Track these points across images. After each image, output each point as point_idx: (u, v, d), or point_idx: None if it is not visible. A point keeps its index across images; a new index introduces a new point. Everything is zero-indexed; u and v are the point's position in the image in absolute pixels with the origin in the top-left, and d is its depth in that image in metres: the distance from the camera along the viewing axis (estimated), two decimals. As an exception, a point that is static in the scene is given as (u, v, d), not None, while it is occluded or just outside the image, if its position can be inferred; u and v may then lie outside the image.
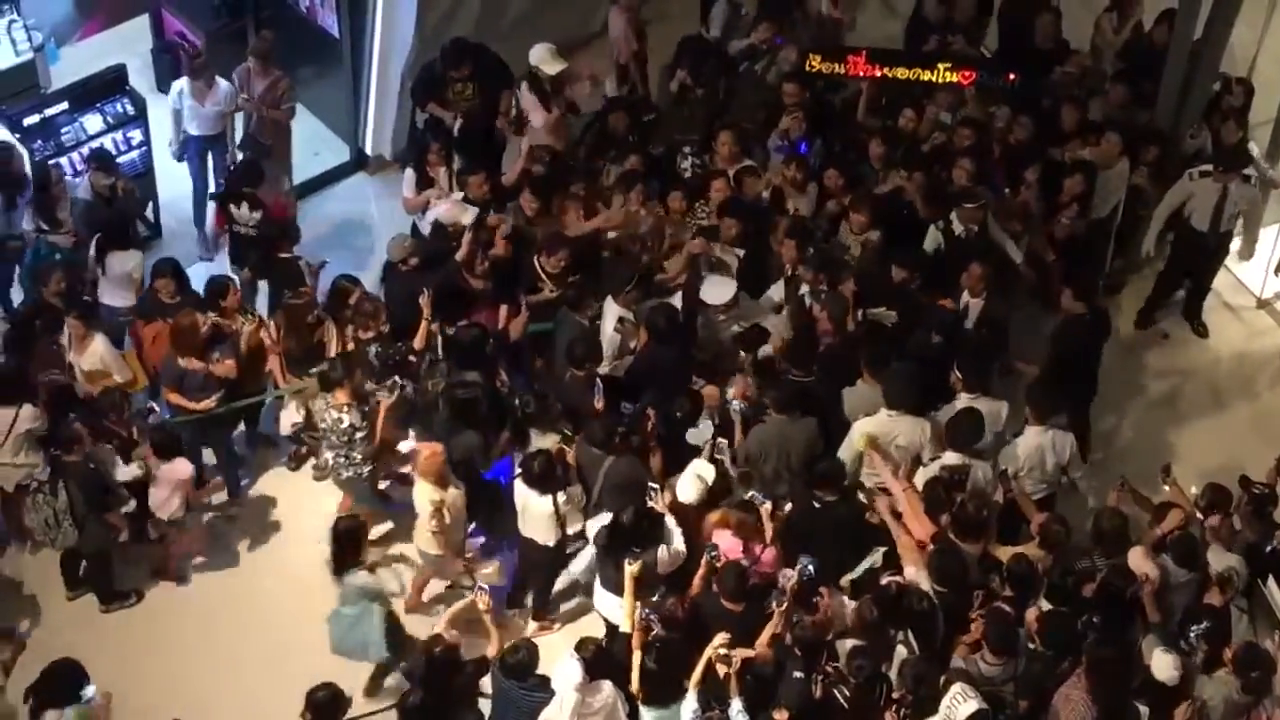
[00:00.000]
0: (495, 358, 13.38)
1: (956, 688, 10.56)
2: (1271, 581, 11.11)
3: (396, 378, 13.02)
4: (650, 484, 12.20)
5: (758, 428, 12.78)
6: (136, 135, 15.79)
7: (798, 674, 10.86)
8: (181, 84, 15.29)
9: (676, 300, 13.76)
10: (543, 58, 15.16)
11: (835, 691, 10.82)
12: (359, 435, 12.85)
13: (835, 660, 11.07)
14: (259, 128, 15.50)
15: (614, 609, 12.02)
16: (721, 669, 10.88)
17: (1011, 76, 15.26)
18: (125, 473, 12.72)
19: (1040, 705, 11.00)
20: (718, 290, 13.71)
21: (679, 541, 11.96)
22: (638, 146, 14.99)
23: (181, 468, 12.74)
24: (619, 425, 12.58)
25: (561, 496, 12.27)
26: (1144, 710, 10.98)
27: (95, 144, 15.53)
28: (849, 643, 11.26)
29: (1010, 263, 14.35)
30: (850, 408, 12.88)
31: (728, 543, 11.96)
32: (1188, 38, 14.91)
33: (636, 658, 11.11)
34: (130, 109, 15.98)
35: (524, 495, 12.35)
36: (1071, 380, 13.58)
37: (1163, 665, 10.99)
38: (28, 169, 14.74)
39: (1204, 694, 10.97)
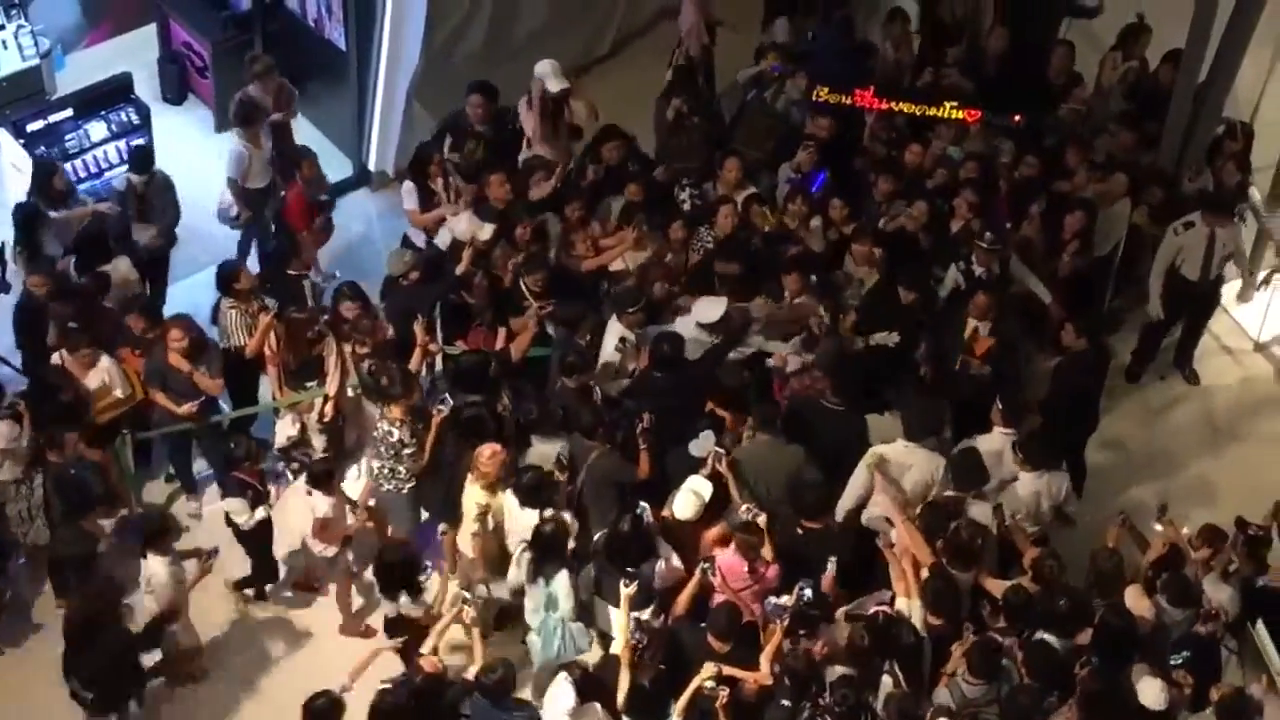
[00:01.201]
0: (498, 381, 13.31)
1: (942, 720, 10.58)
2: (1260, 625, 11.10)
3: (448, 395, 12.93)
4: (641, 502, 12.16)
5: (741, 446, 12.74)
6: (140, 143, 15.72)
7: (785, 702, 10.80)
8: (236, 140, 15.00)
9: (683, 326, 13.63)
10: (546, 73, 15.10)
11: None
12: (407, 451, 12.79)
13: (823, 692, 10.96)
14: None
15: (614, 618, 11.89)
16: (712, 700, 10.83)
17: (1017, 117, 15.29)
18: (255, 516, 12.69)
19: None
20: (708, 309, 13.59)
21: (674, 556, 11.94)
22: (638, 175, 14.94)
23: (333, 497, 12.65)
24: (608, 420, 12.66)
25: (549, 513, 12.13)
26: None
27: (99, 151, 15.59)
28: (837, 670, 11.17)
29: (1037, 302, 14.40)
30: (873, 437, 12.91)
31: (729, 560, 11.94)
32: (1193, 79, 14.93)
33: (625, 676, 11.04)
34: (135, 117, 16.02)
35: (511, 505, 12.29)
36: (1072, 417, 13.60)
37: (1149, 691, 10.96)
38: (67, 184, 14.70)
39: None
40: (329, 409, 13.59)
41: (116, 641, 11.74)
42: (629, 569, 11.64)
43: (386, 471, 12.90)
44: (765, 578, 11.95)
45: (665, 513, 12.25)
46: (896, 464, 12.51)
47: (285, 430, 13.88)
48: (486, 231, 14.11)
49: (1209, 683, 11.01)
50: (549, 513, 12.07)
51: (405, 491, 12.94)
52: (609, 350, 13.47)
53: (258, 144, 14.94)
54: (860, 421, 12.94)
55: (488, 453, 12.24)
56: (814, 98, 15.23)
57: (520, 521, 12.21)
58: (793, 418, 12.92)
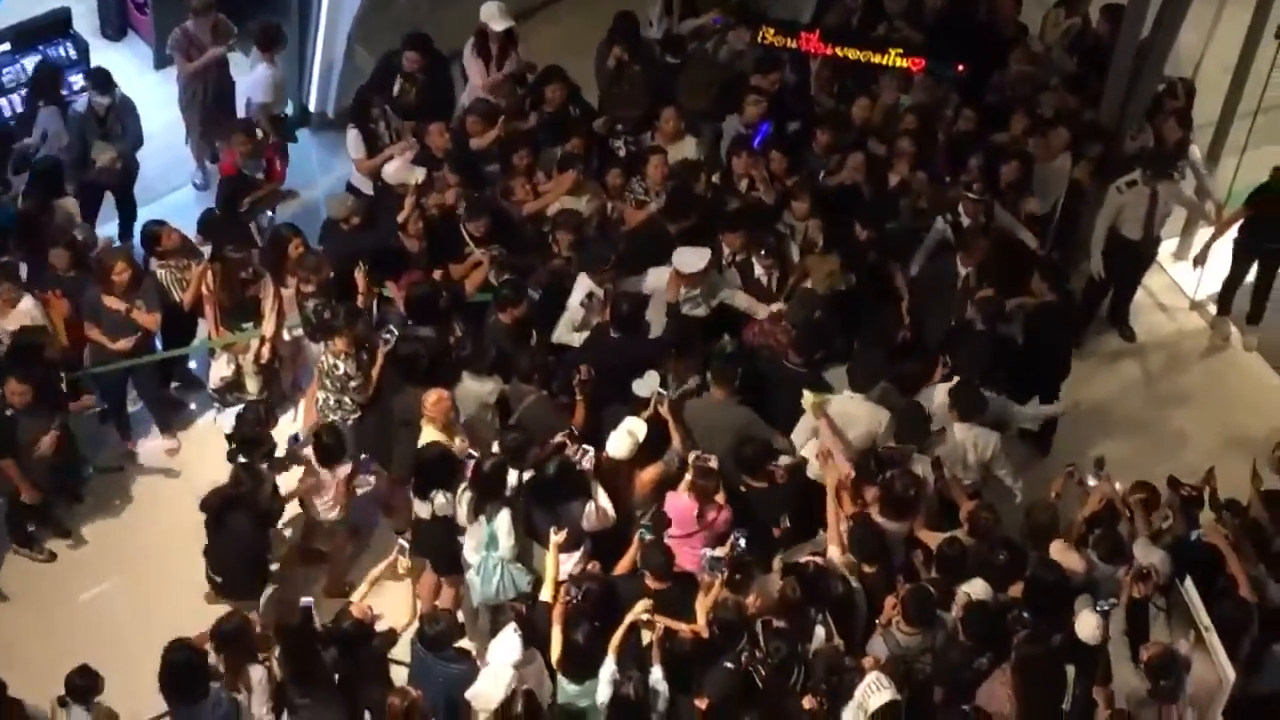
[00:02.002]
0: (449, 313, 13.24)
1: (872, 676, 10.50)
2: (1189, 582, 11.16)
3: (391, 328, 12.89)
4: (584, 445, 12.10)
5: (690, 402, 12.70)
6: (78, 80, 15.47)
7: (728, 664, 10.72)
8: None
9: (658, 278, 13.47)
10: (491, 14, 14.97)
11: (753, 673, 10.73)
12: (353, 383, 12.77)
13: (757, 644, 10.92)
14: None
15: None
16: (645, 635, 10.79)
17: (960, 67, 15.22)
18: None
19: (956, 694, 10.95)
20: (691, 258, 13.36)
21: (604, 499, 11.86)
22: (580, 123, 14.82)
23: (343, 471, 12.48)
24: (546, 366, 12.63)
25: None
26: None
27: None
28: (770, 622, 11.10)
29: (1024, 248, 14.41)
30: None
31: (681, 503, 11.90)
32: (1135, 36, 14.88)
33: (557, 630, 10.96)
34: (73, 53, 15.78)
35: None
36: (1044, 367, 13.66)
37: (1086, 625, 11.05)
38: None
39: (1114, 667, 11.01)
40: (265, 351, 13.47)
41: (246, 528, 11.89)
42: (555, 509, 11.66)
43: (333, 403, 12.86)
44: (715, 522, 11.90)
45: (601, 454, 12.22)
46: (841, 415, 12.47)
47: (220, 371, 13.76)
48: (418, 175, 13.99)
49: (1138, 641, 11.07)
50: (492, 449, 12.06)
51: (351, 423, 12.88)
52: (574, 303, 13.34)
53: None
54: (820, 385, 12.85)
55: (433, 398, 12.19)
56: (760, 40, 15.11)
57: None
58: (750, 375, 12.84)
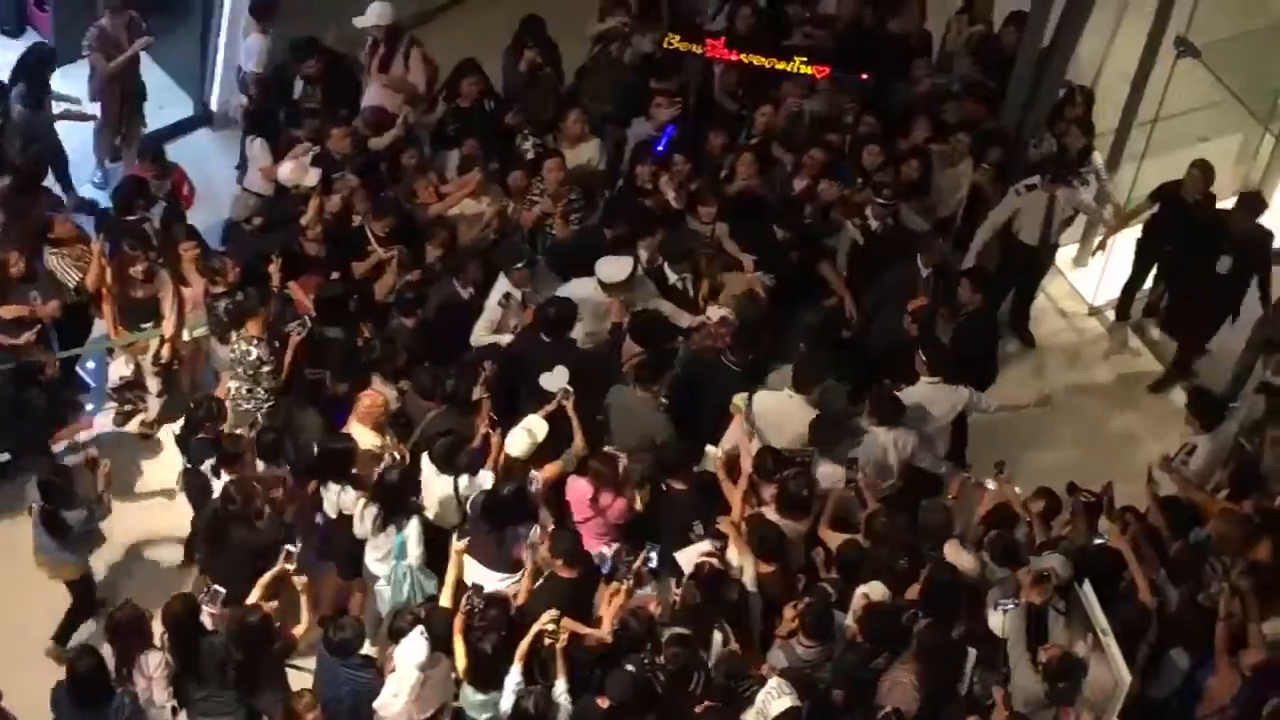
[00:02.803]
0: (358, 314, 13.19)
1: (773, 682, 10.46)
2: (1087, 585, 11.21)
3: (306, 316, 12.79)
4: (533, 472, 11.96)
5: (614, 398, 12.67)
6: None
7: (629, 666, 10.65)
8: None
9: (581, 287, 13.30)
10: (366, 18, 14.89)
11: (653, 677, 10.66)
12: (265, 369, 12.62)
13: (660, 650, 10.83)
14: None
15: (485, 579, 11.64)
16: (549, 644, 10.69)
17: (865, 76, 15.25)
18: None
19: (854, 696, 10.93)
20: (613, 269, 13.27)
21: (549, 524, 11.78)
22: (489, 120, 14.74)
23: (284, 469, 12.22)
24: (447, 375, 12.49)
25: (464, 481, 11.95)
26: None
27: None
28: (671, 629, 11.04)
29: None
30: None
31: (578, 486, 11.91)
32: (1036, 44, 15.00)
33: (460, 645, 10.86)
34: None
35: (427, 472, 12.10)
36: (976, 371, 13.67)
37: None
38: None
39: (1013, 671, 11.02)
40: (165, 350, 13.31)
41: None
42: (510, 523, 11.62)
43: (245, 392, 12.70)
44: (608, 509, 11.89)
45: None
46: (777, 413, 12.47)
47: (119, 371, 13.59)
48: (312, 176, 13.86)
49: (1037, 643, 11.12)
50: (389, 459, 12.04)
51: (265, 411, 12.74)
52: (491, 304, 13.26)
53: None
54: (755, 386, 12.82)
55: (367, 400, 12.22)
56: (665, 45, 15.05)
57: (436, 488, 12.04)
58: (687, 372, 12.97)
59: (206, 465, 12.04)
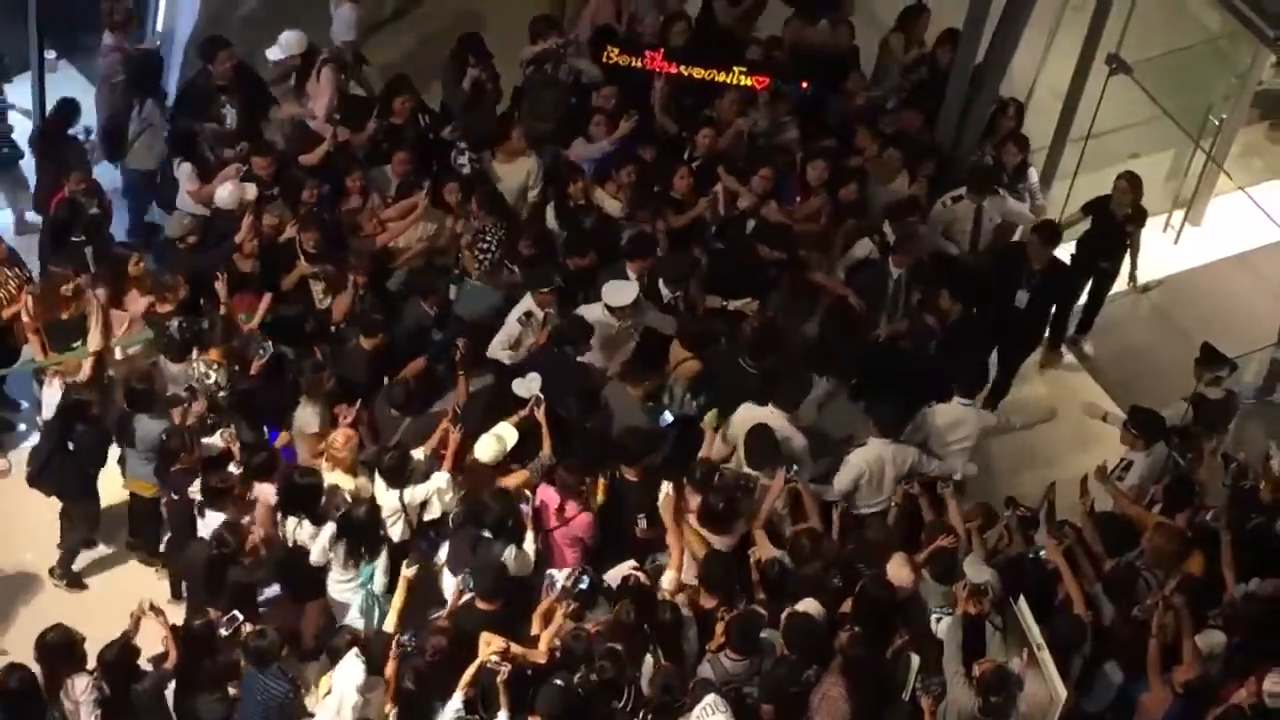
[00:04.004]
0: (312, 336, 13.28)
1: (709, 699, 10.38)
2: (1022, 600, 11.20)
3: (269, 343, 12.80)
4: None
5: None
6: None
7: (559, 681, 10.56)
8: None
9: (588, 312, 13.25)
10: (291, 43, 14.78)
11: (583, 692, 10.57)
12: (222, 395, 12.55)
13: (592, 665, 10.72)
14: None
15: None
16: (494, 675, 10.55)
17: (804, 84, 15.23)
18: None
19: (784, 710, 10.86)
20: (620, 292, 13.22)
21: (529, 544, 11.70)
22: (410, 144, 14.56)
23: (268, 489, 12.10)
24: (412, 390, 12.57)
25: (409, 492, 11.93)
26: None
27: None
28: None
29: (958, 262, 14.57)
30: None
31: (547, 493, 11.94)
32: (970, 61, 15.01)
33: (390, 678, 10.76)
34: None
35: (378, 487, 12.06)
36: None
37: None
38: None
39: (949, 687, 10.97)
40: (88, 366, 13.02)
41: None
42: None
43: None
44: (570, 521, 11.90)
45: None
46: (773, 426, 12.47)
47: (52, 399, 13.30)
48: (250, 191, 13.74)
49: (973, 658, 11.09)
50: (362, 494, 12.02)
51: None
52: (511, 320, 13.26)
53: None
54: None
55: (341, 439, 12.07)
56: (604, 59, 14.99)
57: (388, 503, 11.99)
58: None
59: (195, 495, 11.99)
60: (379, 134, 14.72)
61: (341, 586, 11.95)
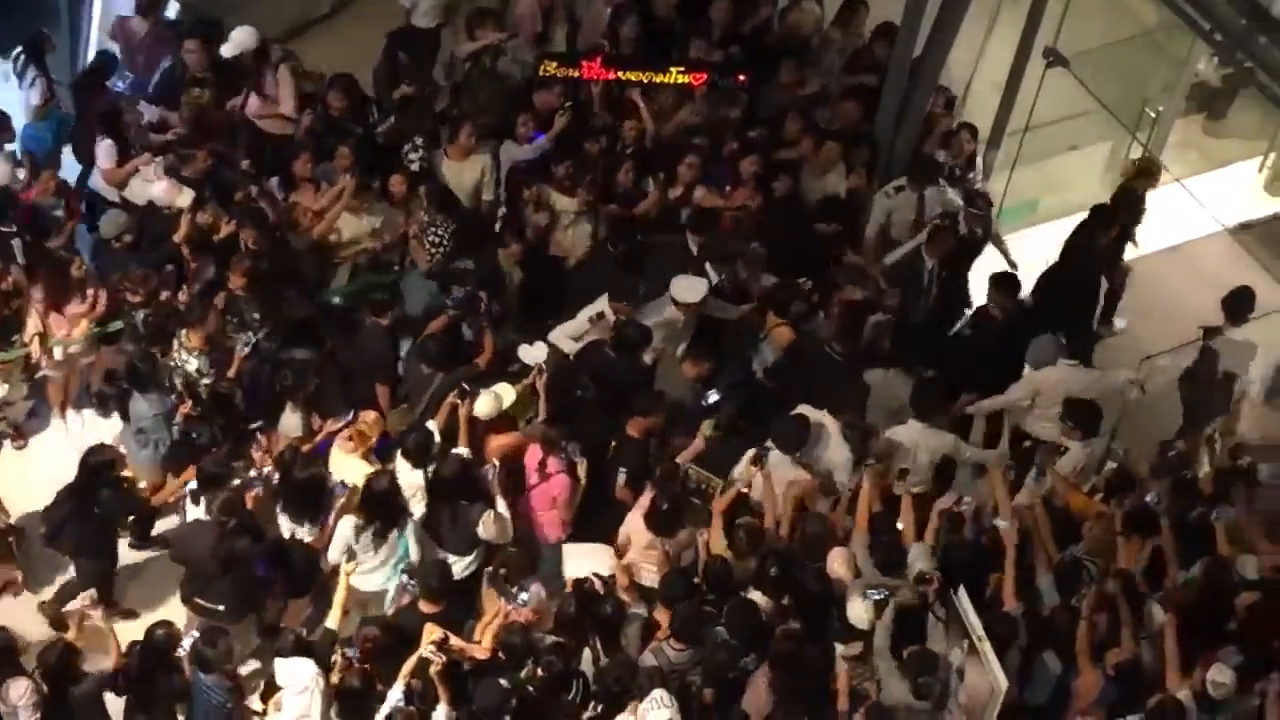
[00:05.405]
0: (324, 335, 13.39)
1: (656, 693, 10.35)
2: (961, 591, 11.21)
3: (251, 334, 12.82)
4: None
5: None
6: None
7: (501, 680, 10.55)
8: None
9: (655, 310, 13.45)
10: (241, 40, 14.67)
11: (530, 689, 10.57)
12: (204, 382, 12.56)
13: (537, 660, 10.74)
14: None
15: (456, 570, 11.78)
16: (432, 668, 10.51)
17: (741, 77, 15.18)
18: None
19: (724, 695, 10.85)
20: (689, 289, 13.36)
21: (503, 509, 11.84)
22: (356, 140, 14.44)
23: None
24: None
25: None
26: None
27: None
28: (547, 638, 11.02)
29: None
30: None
31: (533, 451, 12.13)
32: (908, 55, 15.02)
33: (335, 679, 10.76)
34: None
35: (401, 468, 12.04)
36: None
37: (856, 610, 11.06)
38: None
39: (883, 681, 10.99)
40: (35, 349, 13.09)
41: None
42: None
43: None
44: (550, 478, 12.06)
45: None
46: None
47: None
48: (186, 197, 13.67)
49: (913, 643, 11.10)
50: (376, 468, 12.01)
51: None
52: (583, 316, 13.34)
53: None
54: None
55: (372, 418, 12.24)
56: (541, 72, 14.90)
57: (413, 483, 12.00)
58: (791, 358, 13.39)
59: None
60: (316, 126, 14.63)
61: (372, 576, 11.89)
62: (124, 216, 13.68)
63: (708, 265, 13.87)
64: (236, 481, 11.87)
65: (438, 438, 12.07)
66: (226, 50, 14.63)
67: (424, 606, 11.11)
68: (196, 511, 11.84)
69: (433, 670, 10.46)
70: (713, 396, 12.85)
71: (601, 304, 13.33)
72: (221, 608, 11.71)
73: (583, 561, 11.93)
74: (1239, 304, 13.92)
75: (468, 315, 13.04)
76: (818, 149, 14.89)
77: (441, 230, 13.89)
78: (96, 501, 11.89)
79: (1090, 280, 14.77)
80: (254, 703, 11.23)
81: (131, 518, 12.53)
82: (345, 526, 11.65)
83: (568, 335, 13.39)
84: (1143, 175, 15.24)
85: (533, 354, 12.69)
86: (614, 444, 12.54)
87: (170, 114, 14.60)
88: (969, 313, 14.52)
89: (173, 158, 14.05)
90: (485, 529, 11.75)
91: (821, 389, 12.99)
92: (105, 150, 14.08)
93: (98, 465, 11.87)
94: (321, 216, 13.97)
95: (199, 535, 11.66)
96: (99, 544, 12.16)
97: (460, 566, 11.86)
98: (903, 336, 14.17)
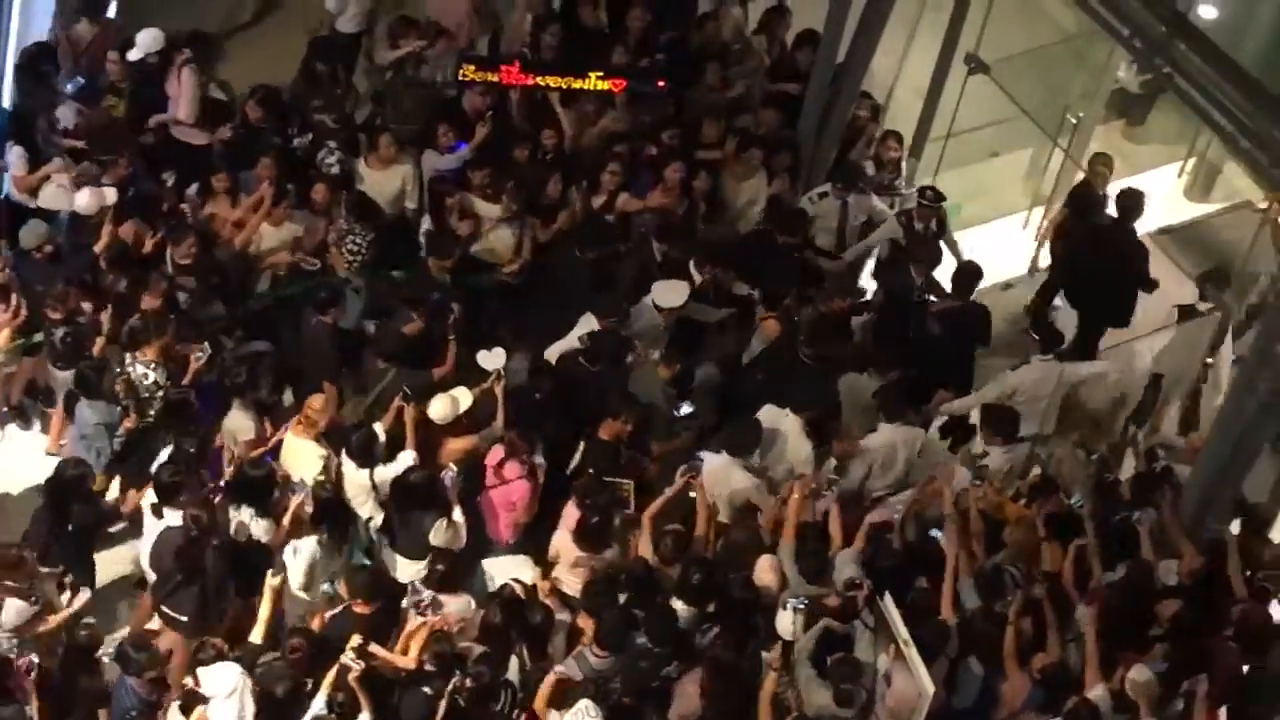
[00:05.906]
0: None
1: (582, 703, 10.35)
2: (888, 597, 11.22)
3: (207, 344, 12.76)
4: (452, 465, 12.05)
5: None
6: None
7: (426, 690, 10.50)
8: None
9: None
10: (148, 42, 14.60)
11: (458, 700, 10.49)
12: (160, 394, 12.50)
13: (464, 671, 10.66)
14: None
15: (403, 571, 11.93)
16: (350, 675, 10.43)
17: (661, 83, 15.17)
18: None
19: (644, 702, 10.84)
20: (671, 293, 13.43)
21: (459, 517, 11.82)
22: (276, 149, 14.36)
23: None
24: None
25: (380, 472, 12.04)
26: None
27: None
28: (474, 649, 10.94)
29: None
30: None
31: (495, 453, 12.23)
32: (831, 62, 15.06)
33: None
34: None
35: (347, 468, 12.10)
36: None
37: (783, 621, 11.05)
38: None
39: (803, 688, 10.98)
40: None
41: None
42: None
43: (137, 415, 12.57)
44: (508, 480, 12.16)
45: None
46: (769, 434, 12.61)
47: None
48: (110, 196, 13.54)
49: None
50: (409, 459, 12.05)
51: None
52: (573, 336, 13.28)
53: None
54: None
55: (319, 403, 12.19)
56: (460, 76, 14.88)
57: (357, 482, 12.08)
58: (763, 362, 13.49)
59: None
60: (236, 136, 14.52)
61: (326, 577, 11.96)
62: (44, 227, 13.56)
63: (691, 267, 13.92)
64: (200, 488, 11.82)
65: (382, 438, 12.04)
66: (133, 54, 14.55)
67: (357, 608, 11.07)
68: (158, 525, 11.74)
69: (350, 677, 10.40)
70: (685, 409, 12.88)
71: (591, 321, 13.33)
72: (185, 618, 11.57)
73: (508, 573, 11.96)
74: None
75: (436, 324, 13.00)
76: (740, 154, 14.87)
77: (360, 239, 13.84)
78: (69, 516, 11.80)
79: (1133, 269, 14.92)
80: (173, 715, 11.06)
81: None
82: (306, 551, 11.62)
83: (559, 354, 13.41)
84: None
85: (492, 360, 12.67)
86: (580, 448, 12.57)
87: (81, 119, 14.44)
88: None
89: (91, 165, 13.87)
90: (437, 535, 11.74)
91: (797, 388, 13.07)
92: (16, 157, 13.96)
93: (70, 480, 11.79)
94: (240, 227, 13.85)
95: (168, 542, 11.57)
96: (80, 560, 12.04)
97: (412, 570, 11.82)
98: (877, 338, 14.30)
